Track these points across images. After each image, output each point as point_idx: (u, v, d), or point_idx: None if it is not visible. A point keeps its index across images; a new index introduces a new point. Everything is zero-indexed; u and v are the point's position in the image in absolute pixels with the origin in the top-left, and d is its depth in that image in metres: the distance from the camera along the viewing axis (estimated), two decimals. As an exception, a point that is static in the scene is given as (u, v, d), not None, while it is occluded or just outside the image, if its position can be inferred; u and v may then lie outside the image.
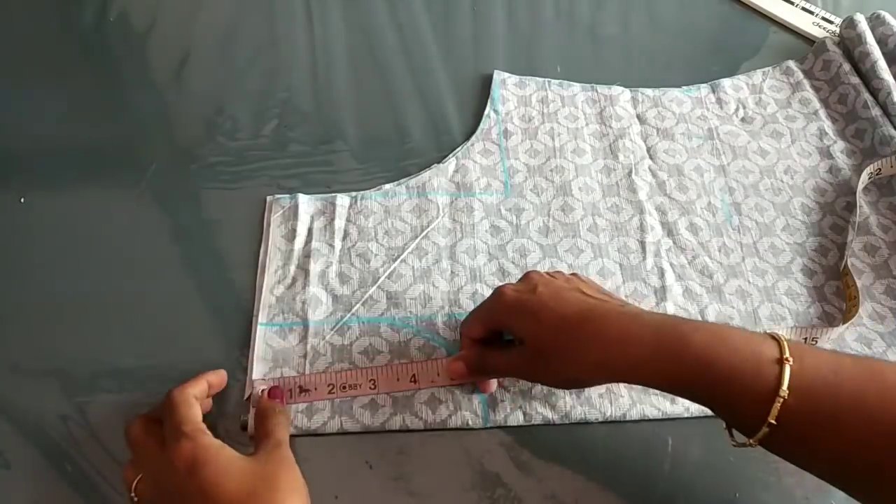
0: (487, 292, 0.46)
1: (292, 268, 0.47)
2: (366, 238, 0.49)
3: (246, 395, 0.42)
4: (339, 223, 0.49)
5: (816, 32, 0.63)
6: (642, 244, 0.49)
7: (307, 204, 0.50)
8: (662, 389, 0.35)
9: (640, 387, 0.42)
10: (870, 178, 0.52)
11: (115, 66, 0.60)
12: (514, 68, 0.59)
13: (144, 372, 0.43)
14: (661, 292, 0.47)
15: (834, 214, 0.51)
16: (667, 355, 0.33)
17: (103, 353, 0.44)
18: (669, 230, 0.50)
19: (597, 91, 0.58)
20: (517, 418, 0.42)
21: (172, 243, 0.49)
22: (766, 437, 0.31)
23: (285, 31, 0.62)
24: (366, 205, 0.50)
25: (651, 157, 0.54)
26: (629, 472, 0.41)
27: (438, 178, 0.52)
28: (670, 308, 0.46)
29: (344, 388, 0.42)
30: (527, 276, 0.41)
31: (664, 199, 0.52)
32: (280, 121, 0.56)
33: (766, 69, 0.60)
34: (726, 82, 0.59)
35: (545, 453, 0.41)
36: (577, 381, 0.38)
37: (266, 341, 0.44)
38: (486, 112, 0.56)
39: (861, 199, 0.51)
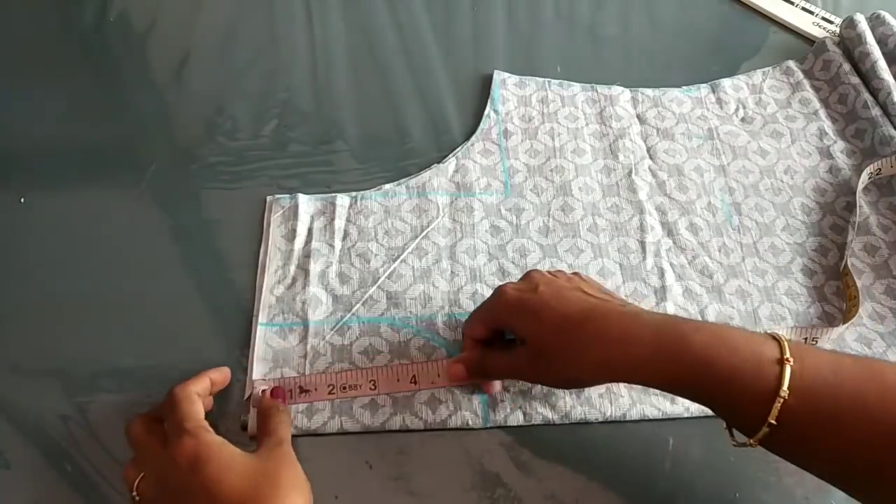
0: (487, 292, 0.46)
1: (292, 268, 0.47)
2: (366, 238, 0.49)
3: (246, 395, 0.42)
4: (339, 223, 0.49)
5: (816, 32, 0.63)
6: (642, 244, 0.49)
7: (307, 204, 0.50)
8: (663, 389, 0.35)
9: (640, 387, 0.42)
10: (870, 178, 0.52)
11: (115, 66, 0.60)
12: (514, 68, 0.59)
13: (144, 372, 0.43)
14: (661, 292, 0.47)
15: (834, 214, 0.52)
16: (667, 355, 0.33)
17: (103, 353, 0.44)
18: (669, 230, 0.50)
19: (597, 91, 0.58)
20: (517, 418, 0.42)
21: (172, 243, 0.49)
22: (767, 437, 0.31)
23: (285, 31, 0.62)
24: (366, 205, 0.50)
25: (651, 157, 0.54)
26: (629, 472, 0.41)
27: (438, 178, 0.52)
28: (670, 308, 0.46)
29: (344, 388, 0.42)
30: (528, 276, 0.41)
31: (664, 199, 0.52)
32: (280, 121, 0.56)
33: (766, 69, 0.60)
34: (726, 82, 0.59)
35: (545, 453, 0.41)
36: (578, 380, 0.38)
37: (266, 341, 0.44)
38: (486, 112, 0.56)
39: (861, 199, 0.51)
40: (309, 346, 0.44)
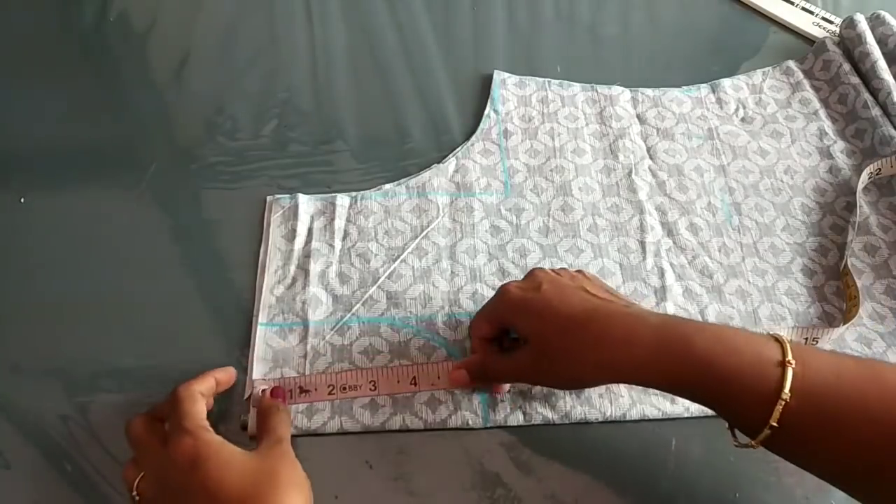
0: (487, 292, 0.46)
1: (292, 268, 0.47)
2: (366, 238, 0.49)
3: (246, 395, 0.42)
4: (339, 223, 0.49)
5: (816, 32, 0.63)
6: (642, 244, 0.49)
7: (307, 204, 0.50)
8: (665, 390, 0.35)
9: (640, 387, 0.42)
10: (870, 178, 0.52)
11: (115, 66, 0.60)
12: (514, 68, 0.59)
13: (144, 372, 0.43)
14: (661, 292, 0.47)
15: (834, 214, 0.52)
16: (669, 356, 0.33)
17: (103, 353, 0.44)
18: (669, 230, 0.50)
19: (597, 91, 0.58)
20: (517, 418, 0.42)
21: (172, 243, 0.49)
22: (768, 439, 0.32)
23: (285, 31, 0.62)
24: (366, 205, 0.50)
25: (651, 157, 0.54)
26: (629, 472, 0.41)
27: (438, 178, 0.52)
28: (670, 308, 0.46)
29: (344, 389, 0.42)
30: (531, 274, 0.41)
31: (664, 199, 0.52)
32: (280, 121, 0.56)
33: (766, 69, 0.60)
34: (726, 82, 0.59)
35: (545, 453, 0.41)
36: (581, 381, 0.38)
37: (266, 341, 0.44)
38: (486, 112, 0.56)
39: (861, 199, 0.51)
40: (309, 346, 0.44)
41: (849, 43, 0.59)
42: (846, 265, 0.47)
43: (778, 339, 0.33)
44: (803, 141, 0.56)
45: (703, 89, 0.58)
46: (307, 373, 0.43)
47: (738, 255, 0.49)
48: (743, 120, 0.57)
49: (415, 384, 0.42)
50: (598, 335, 0.35)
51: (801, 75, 0.59)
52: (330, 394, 0.42)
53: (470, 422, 0.41)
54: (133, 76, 0.59)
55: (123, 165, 0.53)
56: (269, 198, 0.50)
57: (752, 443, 0.32)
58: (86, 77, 0.59)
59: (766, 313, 0.47)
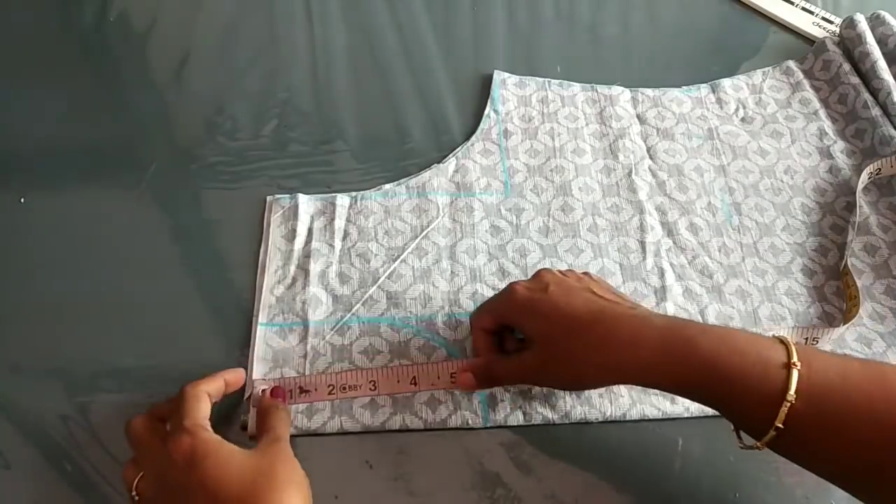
0: (487, 292, 0.46)
1: (292, 268, 0.47)
2: (366, 238, 0.49)
3: (246, 395, 0.42)
4: (339, 223, 0.49)
5: (816, 32, 0.63)
6: (642, 244, 0.49)
7: (307, 204, 0.50)
8: (671, 392, 0.35)
9: (640, 387, 0.42)
10: (870, 178, 0.52)
11: (115, 66, 0.60)
12: (514, 68, 0.59)
13: (144, 372, 0.43)
14: (661, 292, 0.47)
15: (834, 214, 0.51)
16: (675, 358, 0.34)
17: (103, 353, 0.44)
18: (669, 230, 0.50)
19: (597, 91, 0.58)
20: (517, 418, 0.42)
21: (172, 243, 0.49)
22: (774, 440, 0.32)
23: (285, 31, 0.62)
24: (366, 205, 0.50)
25: (651, 157, 0.54)
26: (629, 472, 0.41)
27: (438, 178, 0.52)
28: (670, 308, 0.46)
29: (344, 389, 0.42)
30: (538, 275, 0.41)
31: (664, 199, 0.52)
32: (280, 121, 0.56)
33: (766, 69, 0.60)
34: (726, 82, 0.59)
35: (545, 453, 0.41)
36: (586, 382, 0.39)
37: (266, 341, 0.44)
38: (486, 112, 0.56)
39: (861, 199, 0.51)
40: (309, 346, 0.44)
41: (849, 43, 0.59)
42: (846, 265, 0.47)
43: (783, 342, 0.33)
44: (803, 141, 0.56)
45: (703, 89, 0.58)
46: (307, 373, 0.43)
47: (738, 255, 0.49)
48: (743, 120, 0.57)
49: (415, 384, 0.42)
50: (603, 337, 0.35)
51: (801, 75, 0.59)
52: (330, 394, 0.42)
53: (470, 422, 0.41)
54: (133, 76, 0.59)
55: (123, 165, 0.53)
56: (269, 198, 0.50)
57: (758, 444, 0.32)
58: (86, 77, 0.59)
59: (766, 313, 0.47)
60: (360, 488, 0.40)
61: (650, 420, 0.42)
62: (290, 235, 0.48)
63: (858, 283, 0.46)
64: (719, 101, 0.58)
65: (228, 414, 0.41)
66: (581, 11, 0.65)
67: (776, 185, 0.53)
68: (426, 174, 0.52)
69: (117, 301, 0.46)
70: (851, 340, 0.45)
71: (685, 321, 0.36)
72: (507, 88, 0.57)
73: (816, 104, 0.57)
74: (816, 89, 0.58)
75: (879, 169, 0.52)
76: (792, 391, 0.31)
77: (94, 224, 0.50)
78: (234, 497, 0.32)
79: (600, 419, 0.42)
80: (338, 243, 0.48)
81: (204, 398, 0.37)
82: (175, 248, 0.49)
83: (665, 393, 0.42)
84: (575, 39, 0.63)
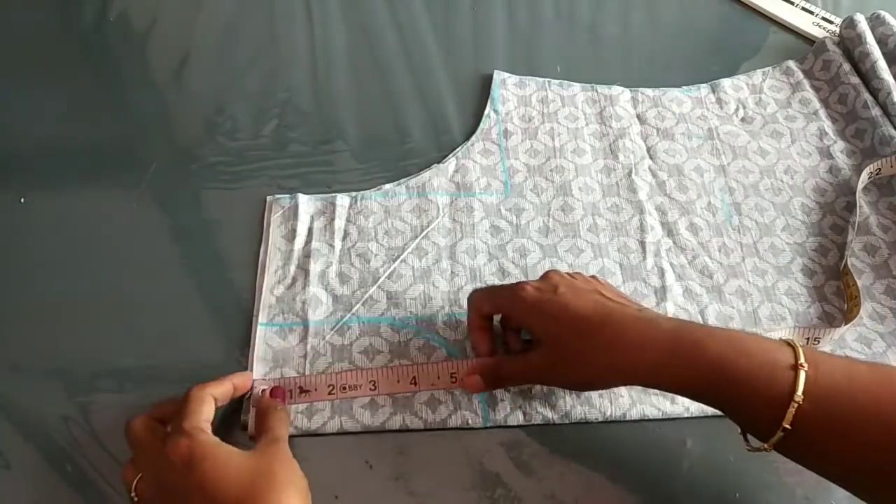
0: (487, 292, 0.46)
1: (292, 268, 0.47)
2: (366, 238, 0.49)
3: (246, 396, 0.42)
4: (339, 223, 0.49)
5: (816, 32, 0.63)
6: (642, 244, 0.49)
7: (307, 204, 0.50)
8: (678, 393, 0.36)
9: (640, 387, 0.42)
10: (870, 178, 0.52)
11: (115, 66, 0.60)
12: (514, 68, 0.59)
13: (144, 372, 0.43)
14: (661, 292, 0.47)
15: (834, 214, 0.51)
16: (682, 360, 0.34)
17: (103, 353, 0.44)
18: (669, 230, 0.50)
19: (597, 91, 0.58)
20: (517, 418, 0.42)
21: (172, 243, 0.49)
22: (781, 442, 0.32)
23: (285, 31, 0.62)
24: (366, 205, 0.50)
25: (651, 157, 0.54)
26: (629, 471, 0.41)
27: (438, 178, 0.52)
28: (670, 308, 0.46)
29: (344, 389, 0.42)
30: (547, 276, 0.41)
31: (664, 199, 0.52)
32: (280, 121, 0.56)
33: (766, 69, 0.60)
34: (726, 82, 0.59)
35: (545, 453, 0.41)
36: (593, 383, 0.39)
37: (266, 341, 0.44)
38: (486, 112, 0.56)
39: (861, 199, 0.51)
40: (309, 346, 0.44)
41: (849, 43, 0.59)
42: (846, 265, 0.47)
43: (790, 344, 0.33)
44: (803, 141, 0.56)
45: (703, 89, 0.58)
46: (307, 373, 0.43)
47: (738, 255, 0.49)
48: (743, 120, 0.57)
49: (415, 384, 0.42)
50: (611, 339, 0.36)
51: (801, 75, 0.59)
52: (330, 394, 0.42)
53: (470, 421, 0.41)
54: (133, 76, 0.59)
55: (123, 165, 0.53)
56: (269, 198, 0.50)
57: (765, 446, 0.33)
58: (86, 77, 0.59)
59: (766, 313, 0.47)
60: (360, 488, 0.40)
61: (650, 420, 0.42)
62: (290, 235, 0.48)
63: (859, 283, 0.46)
64: (719, 101, 0.58)
65: (229, 414, 0.41)
66: (581, 11, 0.65)
67: (776, 185, 0.53)
68: (426, 174, 0.52)
69: (117, 301, 0.46)
70: (851, 340, 0.45)
71: (692, 324, 0.36)
72: (507, 88, 0.57)
73: (816, 104, 0.57)
74: (816, 89, 0.58)
75: (879, 169, 0.52)
76: (800, 392, 0.31)
77: (94, 224, 0.50)
78: (233, 498, 0.32)
79: (600, 419, 0.42)
80: (338, 243, 0.48)
81: (208, 401, 0.37)
82: (175, 248, 0.49)
83: (665, 393, 0.42)
84: (575, 39, 0.63)
